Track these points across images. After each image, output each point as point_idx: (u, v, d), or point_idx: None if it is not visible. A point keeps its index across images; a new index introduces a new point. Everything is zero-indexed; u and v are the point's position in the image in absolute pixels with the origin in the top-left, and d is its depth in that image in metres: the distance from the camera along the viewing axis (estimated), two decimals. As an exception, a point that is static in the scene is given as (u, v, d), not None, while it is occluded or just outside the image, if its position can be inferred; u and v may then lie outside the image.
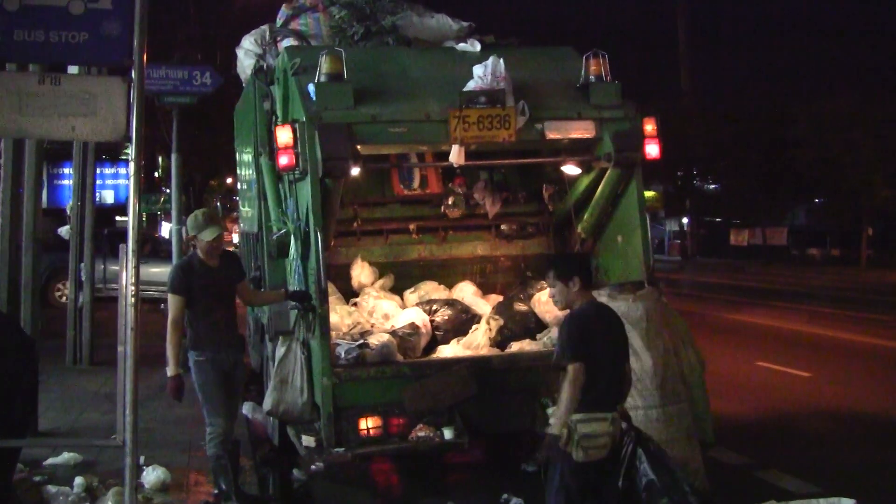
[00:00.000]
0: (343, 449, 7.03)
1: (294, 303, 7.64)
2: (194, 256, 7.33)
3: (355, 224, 9.05)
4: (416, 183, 9.39)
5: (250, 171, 9.56)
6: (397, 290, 9.01)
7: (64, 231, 14.26)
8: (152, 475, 7.72)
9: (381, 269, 9.09)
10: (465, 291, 8.91)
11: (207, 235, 7.20)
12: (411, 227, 9.21)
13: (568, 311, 5.70)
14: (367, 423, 7.17)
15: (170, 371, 7.09)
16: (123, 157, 26.36)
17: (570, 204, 8.84)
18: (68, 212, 14.43)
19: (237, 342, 7.60)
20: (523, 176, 9.53)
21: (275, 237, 8.15)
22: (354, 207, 8.99)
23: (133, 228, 5.50)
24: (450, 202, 9.14)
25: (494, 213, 9.27)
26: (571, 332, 5.46)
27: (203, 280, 7.18)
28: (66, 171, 22.20)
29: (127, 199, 5.85)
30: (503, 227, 9.35)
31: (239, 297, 7.56)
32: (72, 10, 5.50)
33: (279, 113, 8.14)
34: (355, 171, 7.63)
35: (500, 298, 8.88)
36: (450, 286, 9.16)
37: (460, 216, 9.23)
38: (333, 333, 7.46)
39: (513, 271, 9.42)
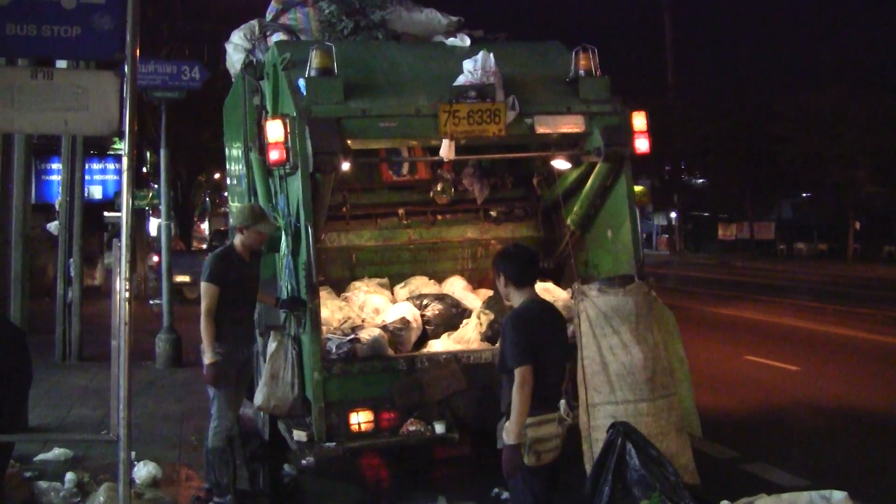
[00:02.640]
0: (334, 443, 7.04)
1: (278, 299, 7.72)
2: (232, 249, 7.40)
3: (344, 209, 9.05)
4: (404, 169, 9.41)
5: (240, 167, 9.55)
6: (388, 274, 8.99)
7: (53, 227, 14.23)
8: (143, 470, 7.72)
9: (371, 254, 9.08)
10: (456, 286, 8.92)
11: (264, 228, 7.40)
12: (400, 212, 9.21)
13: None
14: (358, 418, 7.19)
15: (207, 358, 7.14)
16: (111, 153, 26.19)
17: (558, 192, 8.87)
18: (57, 207, 14.40)
19: (251, 338, 7.66)
20: (512, 162, 9.55)
21: (265, 232, 8.14)
22: (343, 193, 8.99)
23: (126, 223, 5.51)
24: (438, 188, 9.17)
25: (483, 199, 9.29)
26: (517, 333, 5.26)
27: (237, 273, 7.27)
28: (55, 166, 22.06)
29: (117, 193, 5.87)
30: (492, 212, 9.38)
31: None
32: (64, 4, 5.49)
33: (269, 108, 8.13)
34: (345, 165, 7.64)
35: (491, 293, 8.89)
36: (441, 270, 9.14)
37: (449, 202, 9.25)
38: (324, 328, 7.46)
39: None
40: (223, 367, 7.18)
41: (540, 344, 5.27)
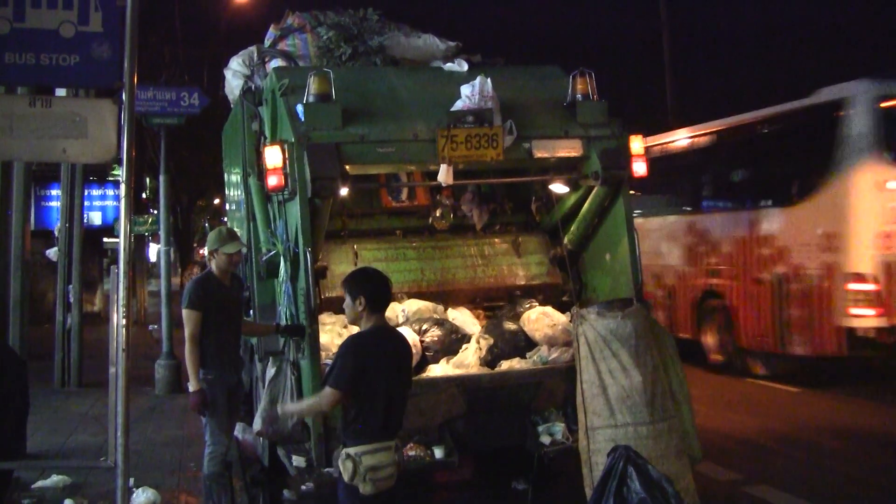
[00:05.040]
0: (333, 468, 7.01)
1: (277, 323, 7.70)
2: (210, 274, 7.42)
3: (342, 234, 8.98)
4: (403, 195, 9.39)
5: (239, 192, 9.55)
6: (394, 271, 8.77)
7: (52, 253, 14.25)
8: (142, 497, 7.71)
9: (374, 252, 8.80)
10: (456, 312, 8.88)
11: (230, 248, 7.39)
12: (398, 232, 9.14)
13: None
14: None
15: (191, 386, 7.15)
16: (111, 179, 26.29)
17: (557, 217, 8.86)
18: (56, 233, 14.42)
19: (239, 362, 7.65)
20: (510, 187, 9.52)
21: (264, 258, 8.15)
22: (343, 219, 8.97)
23: (124, 250, 5.52)
24: (437, 214, 9.12)
25: (482, 224, 9.26)
26: (345, 357, 5.29)
27: (218, 297, 7.26)
28: (54, 192, 22.14)
29: (116, 220, 5.89)
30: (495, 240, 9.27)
31: None
32: (63, 33, 5.54)
33: (268, 133, 8.15)
34: (344, 191, 7.65)
35: (490, 314, 8.87)
36: (451, 267, 8.94)
37: (448, 227, 9.21)
38: (323, 353, 7.45)
39: (509, 255, 9.11)
40: (211, 394, 7.18)
41: (374, 371, 5.23)
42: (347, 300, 5.41)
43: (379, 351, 5.31)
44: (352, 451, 5.19)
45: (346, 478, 5.18)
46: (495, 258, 9.04)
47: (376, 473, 5.15)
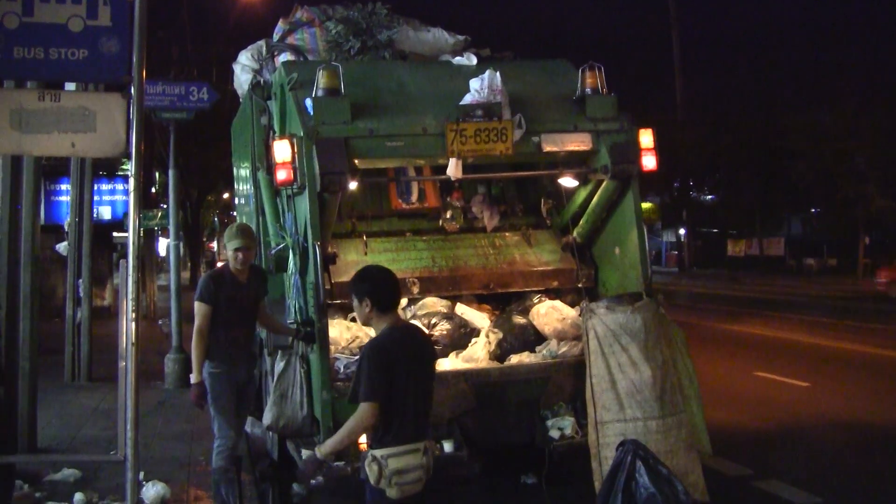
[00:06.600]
0: (343, 463, 7.02)
1: (294, 322, 7.70)
2: (226, 269, 7.46)
3: (352, 236, 8.96)
4: (414, 197, 9.36)
5: (248, 186, 9.56)
6: (404, 260, 8.75)
7: (62, 247, 14.28)
8: (152, 490, 7.72)
9: (384, 243, 8.82)
10: (465, 307, 8.88)
11: (232, 245, 7.40)
12: (407, 234, 9.10)
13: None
14: (367, 437, 7.16)
15: (194, 378, 7.18)
16: (120, 173, 26.32)
17: (567, 217, 8.85)
18: (66, 228, 14.46)
19: (252, 358, 7.67)
20: (521, 189, 9.51)
21: (273, 252, 8.15)
22: (352, 221, 8.96)
23: (133, 244, 5.53)
24: (448, 216, 9.10)
25: (492, 227, 9.23)
26: (372, 365, 4.97)
27: (231, 293, 7.28)
28: (64, 187, 22.22)
29: (125, 214, 5.91)
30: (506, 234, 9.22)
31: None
32: (71, 27, 5.55)
33: (276, 128, 8.15)
34: (353, 185, 7.65)
35: (497, 312, 8.86)
36: (462, 255, 8.88)
37: (458, 230, 9.18)
38: (332, 347, 7.45)
39: (521, 246, 9.07)
40: (217, 388, 7.20)
41: (399, 374, 5.03)
42: (354, 302, 5.20)
43: (402, 353, 5.09)
44: (377, 453, 5.05)
45: (371, 481, 5.05)
46: (507, 248, 9.02)
47: (402, 477, 5.02)
